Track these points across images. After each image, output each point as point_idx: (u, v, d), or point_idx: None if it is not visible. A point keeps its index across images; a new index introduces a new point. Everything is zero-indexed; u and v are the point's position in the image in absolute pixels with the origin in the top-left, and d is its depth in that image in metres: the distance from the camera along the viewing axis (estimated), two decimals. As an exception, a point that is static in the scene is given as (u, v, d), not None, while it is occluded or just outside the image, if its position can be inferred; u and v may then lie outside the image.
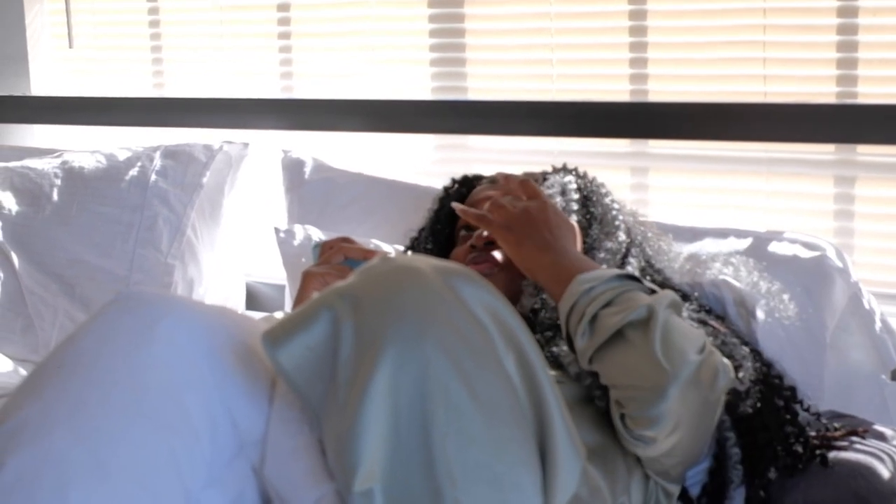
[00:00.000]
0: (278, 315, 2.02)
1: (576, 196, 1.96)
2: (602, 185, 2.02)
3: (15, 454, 1.19)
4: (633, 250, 1.92)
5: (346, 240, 1.90)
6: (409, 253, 2.08)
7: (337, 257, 1.83)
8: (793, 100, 2.29)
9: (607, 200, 1.97)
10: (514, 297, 1.86)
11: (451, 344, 1.18)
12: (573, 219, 1.91)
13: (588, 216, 1.93)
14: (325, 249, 1.88)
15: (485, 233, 1.89)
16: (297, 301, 1.84)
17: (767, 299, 1.81)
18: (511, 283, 1.86)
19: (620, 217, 1.94)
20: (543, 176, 2.06)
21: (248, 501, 1.26)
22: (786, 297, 1.66)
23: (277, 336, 1.22)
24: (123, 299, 1.31)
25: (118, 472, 1.18)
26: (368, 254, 1.83)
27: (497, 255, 1.88)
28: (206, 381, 1.26)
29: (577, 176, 2.03)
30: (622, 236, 1.90)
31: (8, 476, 1.18)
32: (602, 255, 1.86)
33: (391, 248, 2.29)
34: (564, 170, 2.07)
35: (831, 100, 2.27)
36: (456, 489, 1.14)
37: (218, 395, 1.26)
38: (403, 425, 1.15)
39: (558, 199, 1.93)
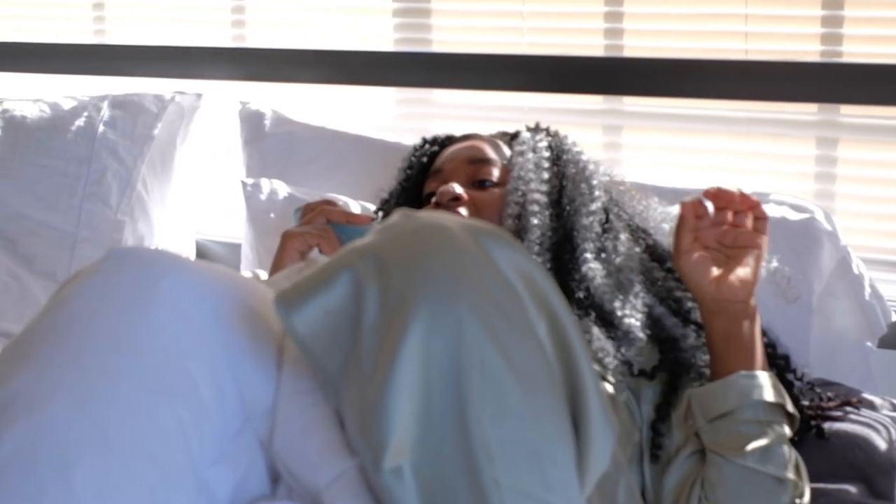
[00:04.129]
0: (246, 275, 1.93)
1: (547, 154, 1.88)
2: (575, 143, 1.94)
3: (11, 426, 1.06)
4: (615, 209, 1.85)
5: (328, 202, 1.82)
6: (380, 215, 1.99)
7: (319, 219, 1.75)
8: (775, 58, 2.22)
9: (582, 158, 1.90)
10: None
11: (483, 308, 1.09)
12: (544, 176, 1.84)
13: (560, 176, 1.85)
14: (306, 211, 1.79)
15: (454, 188, 1.81)
16: (276, 262, 1.75)
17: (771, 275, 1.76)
18: None
19: (596, 177, 1.86)
20: (514, 134, 1.98)
21: (257, 477, 1.16)
22: (786, 269, 1.61)
23: (292, 299, 1.11)
24: (117, 257, 1.20)
25: (125, 444, 1.07)
26: (351, 217, 1.75)
27: (463, 211, 1.79)
28: (214, 347, 1.15)
29: (549, 135, 1.95)
30: (599, 194, 1.83)
31: (4, 450, 1.05)
32: (587, 220, 1.78)
33: (358, 206, 2.19)
34: (537, 129, 2.00)
35: (815, 58, 2.20)
36: (494, 466, 1.04)
37: (226, 364, 1.15)
38: (436, 396, 1.05)
39: (530, 156, 1.86)
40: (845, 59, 2.18)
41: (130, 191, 2.45)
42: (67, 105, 2.55)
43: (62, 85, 2.81)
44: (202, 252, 2.64)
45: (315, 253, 1.76)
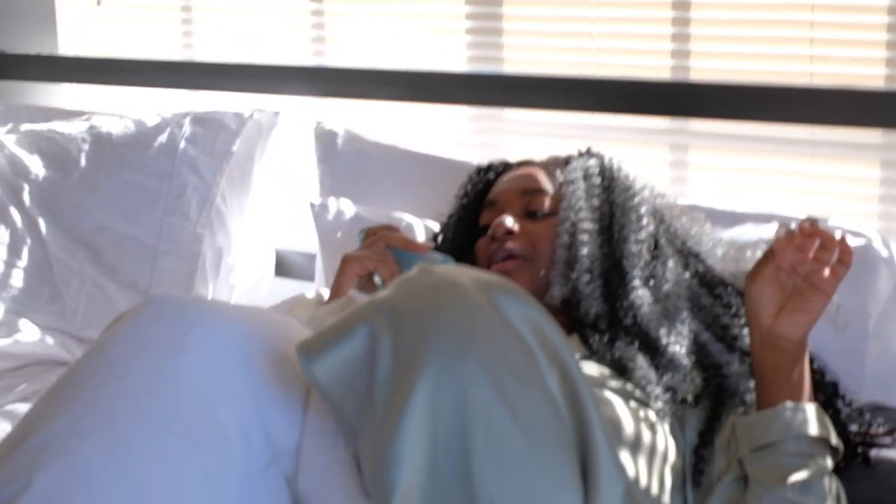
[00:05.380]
0: (309, 295, 1.99)
1: (598, 181, 1.91)
2: (621, 168, 1.96)
3: (43, 470, 1.15)
4: (665, 236, 1.87)
5: (390, 228, 1.87)
6: (440, 238, 2.04)
7: (379, 244, 1.81)
8: (839, 83, 2.23)
9: (632, 184, 1.91)
10: (541, 289, 1.82)
11: (492, 363, 1.14)
12: (595, 203, 1.87)
13: (610, 203, 1.89)
14: (368, 235, 1.85)
15: (507, 221, 1.85)
16: (335, 285, 1.81)
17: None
18: (536, 274, 1.83)
19: (644, 206, 1.87)
20: (567, 160, 2.01)
21: None
22: (835, 297, 1.61)
23: (313, 348, 1.18)
24: (154, 304, 1.28)
25: (150, 490, 1.15)
26: (410, 244, 1.81)
27: (516, 246, 1.84)
28: (241, 393, 1.22)
29: (600, 159, 1.98)
30: (647, 221, 1.85)
31: (37, 493, 1.14)
32: (636, 247, 1.81)
33: (422, 225, 2.25)
34: (588, 153, 2.02)
35: (879, 83, 2.21)
36: None
37: (252, 408, 1.22)
38: (442, 448, 1.12)
39: (581, 185, 1.89)
40: (910, 84, 2.19)
41: (210, 205, 2.52)
42: (151, 121, 2.62)
43: (147, 97, 2.91)
44: (281, 262, 2.71)
45: (375, 279, 1.82)
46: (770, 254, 1.56)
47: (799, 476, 1.52)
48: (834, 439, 1.56)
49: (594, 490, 1.17)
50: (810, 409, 1.56)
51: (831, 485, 1.55)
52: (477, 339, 1.14)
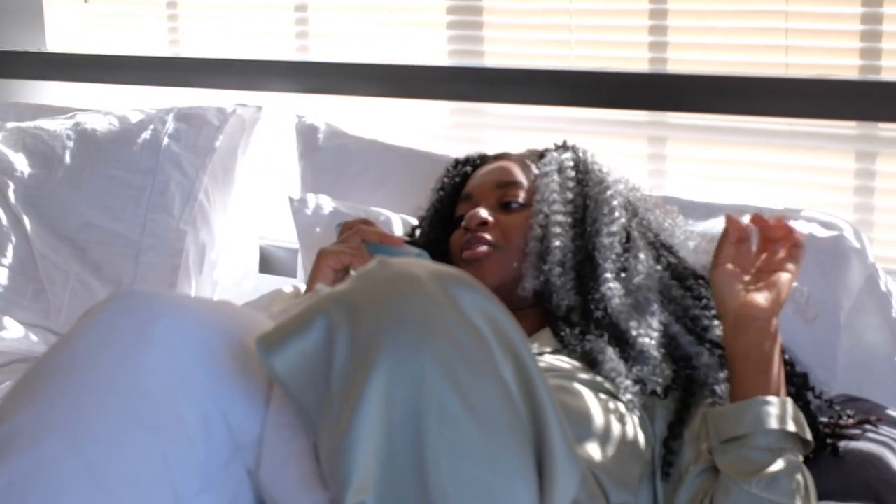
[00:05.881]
0: (287, 290, 2.01)
1: (572, 174, 1.93)
2: (596, 161, 1.98)
3: (7, 461, 1.18)
4: (637, 228, 1.89)
5: (366, 222, 1.90)
6: (418, 232, 2.06)
7: (354, 238, 1.83)
8: (815, 74, 2.24)
9: (605, 178, 1.94)
10: (513, 280, 1.84)
11: (447, 354, 1.16)
12: (568, 196, 1.88)
13: (584, 195, 1.91)
14: (345, 229, 1.87)
15: (481, 212, 1.87)
16: (311, 279, 1.84)
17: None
18: (508, 264, 1.86)
19: (617, 199, 1.89)
20: (542, 153, 2.03)
21: None
22: (805, 289, 1.62)
23: (272, 341, 1.20)
24: (120, 298, 1.30)
25: (112, 480, 1.17)
26: (385, 237, 1.83)
27: (489, 236, 1.86)
28: (202, 384, 1.24)
29: (575, 153, 2.00)
30: (619, 214, 1.87)
31: (0, 483, 1.17)
32: (608, 240, 1.83)
33: (399, 219, 2.27)
34: (564, 146, 2.04)
35: (854, 73, 2.21)
36: None
37: (213, 399, 1.24)
38: (397, 438, 1.14)
39: (555, 177, 1.91)
40: (884, 76, 2.19)
41: (193, 201, 2.53)
42: (135, 118, 2.64)
43: (134, 94, 2.93)
44: (265, 257, 2.73)
45: (352, 273, 1.84)
46: (724, 234, 1.59)
47: (766, 471, 1.52)
48: (807, 434, 1.57)
49: (549, 478, 1.19)
50: (781, 403, 1.57)
51: (800, 480, 1.55)
52: (432, 331, 1.17)
